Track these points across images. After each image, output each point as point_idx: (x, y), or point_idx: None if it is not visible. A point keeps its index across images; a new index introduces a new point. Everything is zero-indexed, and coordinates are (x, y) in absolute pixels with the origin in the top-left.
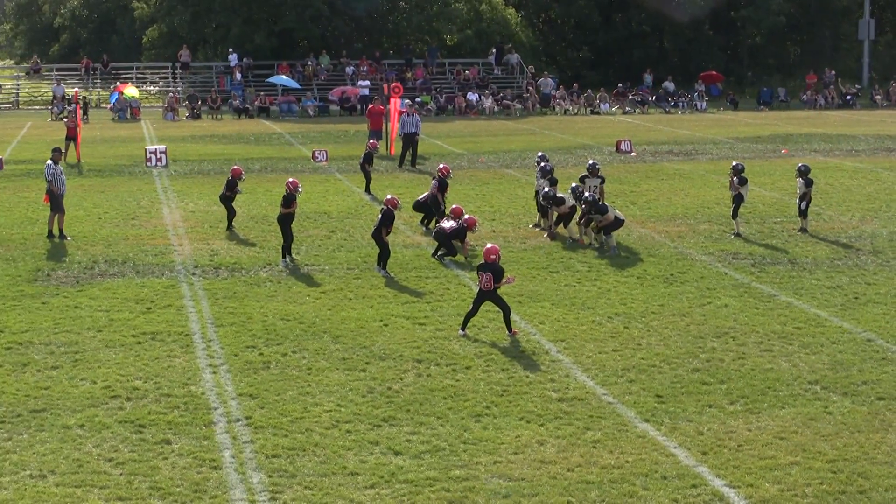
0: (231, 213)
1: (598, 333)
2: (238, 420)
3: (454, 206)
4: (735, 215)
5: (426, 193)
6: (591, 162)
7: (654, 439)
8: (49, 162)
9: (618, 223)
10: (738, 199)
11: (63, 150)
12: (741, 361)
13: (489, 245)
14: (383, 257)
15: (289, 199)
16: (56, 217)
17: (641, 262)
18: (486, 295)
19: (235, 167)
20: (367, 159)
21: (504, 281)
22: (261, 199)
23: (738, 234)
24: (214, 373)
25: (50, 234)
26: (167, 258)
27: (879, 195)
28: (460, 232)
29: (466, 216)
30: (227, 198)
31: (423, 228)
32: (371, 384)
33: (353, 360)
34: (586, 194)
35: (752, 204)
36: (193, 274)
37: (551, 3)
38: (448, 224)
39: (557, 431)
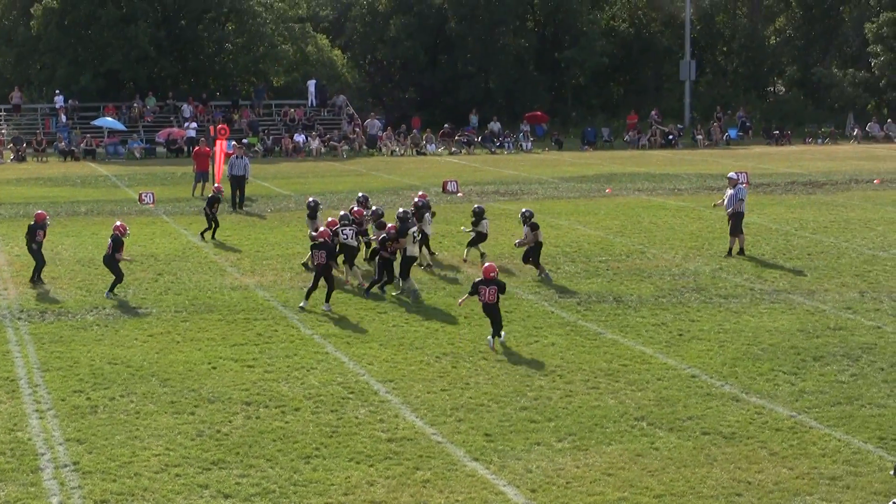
0: (40, 264)
1: (427, 373)
2: (66, 466)
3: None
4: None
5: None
6: (525, 210)
7: (483, 478)
8: None
9: (408, 258)
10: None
11: None
12: (568, 399)
13: (487, 264)
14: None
15: (119, 243)
16: None
17: (468, 302)
18: (492, 307)
19: (39, 212)
20: (210, 203)
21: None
22: (87, 242)
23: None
24: (41, 418)
25: None
26: None
27: (702, 233)
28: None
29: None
30: (34, 244)
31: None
32: (200, 427)
33: (181, 404)
34: (400, 210)
35: (576, 243)
36: (19, 318)
37: (377, 44)
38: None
39: (387, 472)
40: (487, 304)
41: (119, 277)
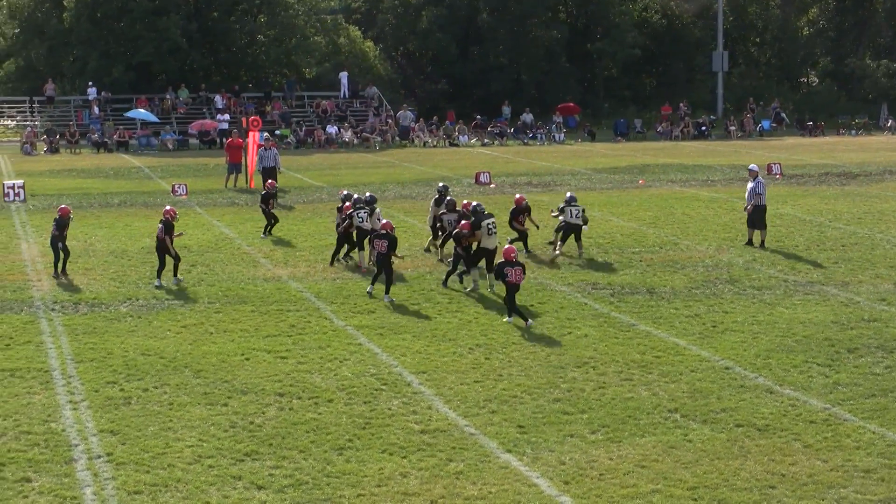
0: (65, 255)
1: (460, 365)
2: (99, 457)
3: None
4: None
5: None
6: (569, 194)
7: (516, 470)
8: None
9: (481, 251)
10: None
11: None
12: (601, 391)
13: (507, 246)
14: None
15: (170, 227)
16: None
17: (502, 293)
18: (516, 288)
19: (64, 206)
20: (265, 199)
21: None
22: (120, 234)
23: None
24: (75, 409)
25: None
26: (25, 294)
27: (735, 224)
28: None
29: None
30: (59, 238)
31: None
32: (233, 419)
33: (214, 395)
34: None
35: (609, 234)
36: (52, 310)
37: (409, 36)
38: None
39: (420, 463)
40: (514, 284)
41: (177, 259)
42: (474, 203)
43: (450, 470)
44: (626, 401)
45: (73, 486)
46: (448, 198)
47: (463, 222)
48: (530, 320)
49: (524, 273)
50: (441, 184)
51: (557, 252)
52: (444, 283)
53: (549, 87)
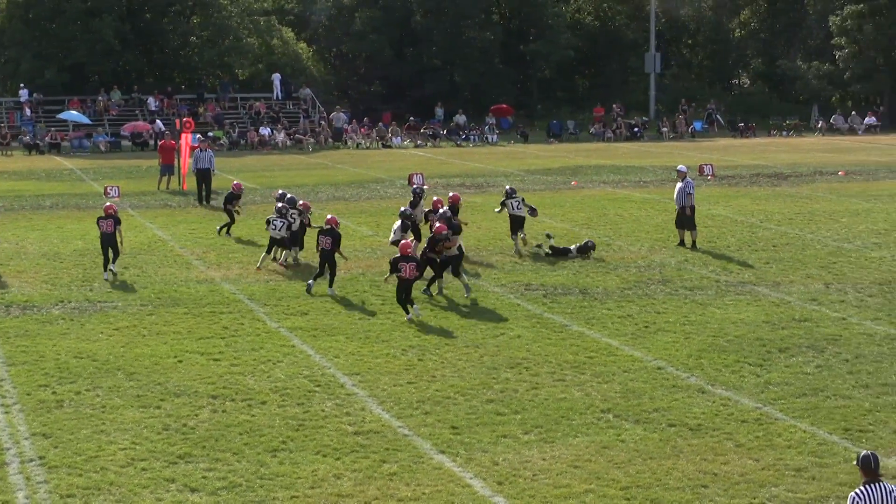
0: None
1: (393, 366)
2: (31, 460)
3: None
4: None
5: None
6: (582, 243)
7: (450, 470)
8: None
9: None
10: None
11: None
12: (535, 391)
13: (403, 241)
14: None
15: (118, 220)
16: None
17: (440, 296)
18: (410, 283)
19: None
20: (229, 199)
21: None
22: (52, 236)
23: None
24: (7, 412)
25: None
26: None
27: (668, 225)
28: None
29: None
30: None
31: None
32: (166, 421)
33: (147, 398)
34: (441, 210)
35: (542, 235)
36: None
37: (343, 37)
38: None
39: (354, 465)
40: (407, 280)
41: (117, 254)
42: (441, 209)
43: (383, 471)
44: (560, 401)
45: (6, 489)
46: (407, 208)
47: (438, 224)
48: (411, 314)
49: (418, 269)
50: (415, 185)
51: (521, 248)
52: (427, 289)
53: (483, 88)
